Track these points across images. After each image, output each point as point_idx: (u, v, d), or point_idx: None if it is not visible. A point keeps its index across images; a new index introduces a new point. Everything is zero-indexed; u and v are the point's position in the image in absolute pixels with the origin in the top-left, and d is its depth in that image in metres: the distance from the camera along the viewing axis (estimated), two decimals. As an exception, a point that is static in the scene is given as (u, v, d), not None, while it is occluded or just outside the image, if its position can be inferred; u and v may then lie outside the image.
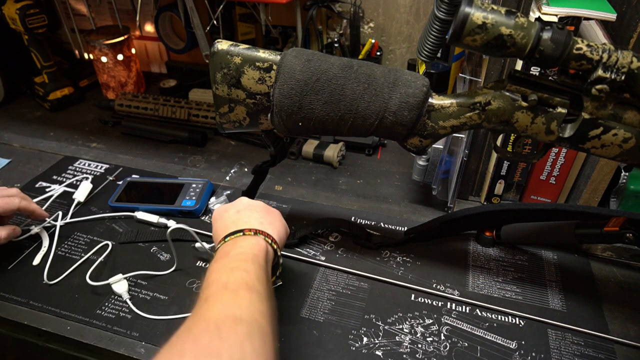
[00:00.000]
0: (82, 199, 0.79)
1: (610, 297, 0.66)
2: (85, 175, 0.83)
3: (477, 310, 0.63)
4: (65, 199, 0.82)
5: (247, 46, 0.54)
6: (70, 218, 0.76)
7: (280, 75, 0.52)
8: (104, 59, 1.10)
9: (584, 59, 0.44)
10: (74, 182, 0.85)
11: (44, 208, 0.75)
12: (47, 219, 0.73)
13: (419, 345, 0.59)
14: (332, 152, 0.92)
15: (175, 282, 0.67)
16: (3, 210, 0.65)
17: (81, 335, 0.60)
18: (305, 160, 0.96)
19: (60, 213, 0.76)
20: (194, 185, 0.82)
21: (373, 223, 0.78)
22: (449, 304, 0.64)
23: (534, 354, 0.58)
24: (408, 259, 0.71)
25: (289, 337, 0.60)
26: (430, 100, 0.53)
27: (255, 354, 0.37)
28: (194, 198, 0.80)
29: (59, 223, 0.74)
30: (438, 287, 0.67)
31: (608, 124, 0.48)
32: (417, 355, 0.57)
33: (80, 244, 0.73)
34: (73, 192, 0.81)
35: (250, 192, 0.71)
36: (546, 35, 0.44)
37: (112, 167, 0.92)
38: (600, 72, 0.44)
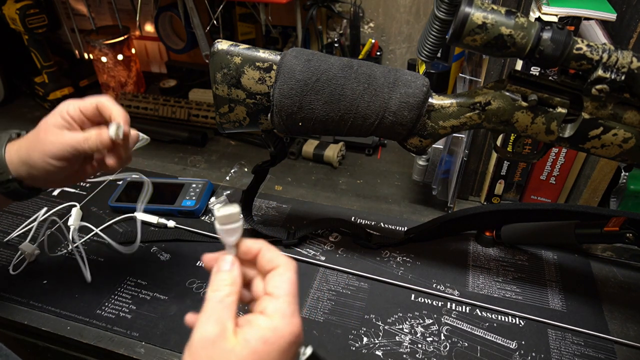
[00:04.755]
0: (77, 226, 0.75)
1: (610, 297, 0.66)
2: (72, 203, 0.80)
3: (477, 310, 0.63)
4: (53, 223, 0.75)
5: (247, 46, 0.54)
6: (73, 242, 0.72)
7: (280, 75, 0.52)
8: (104, 59, 1.10)
9: (584, 59, 0.44)
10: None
11: (29, 237, 0.69)
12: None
13: (419, 345, 0.59)
14: (332, 152, 0.92)
15: (175, 282, 0.67)
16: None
17: (81, 335, 0.60)
18: (305, 160, 0.96)
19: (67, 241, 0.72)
20: (194, 185, 0.82)
21: (373, 223, 0.78)
22: (449, 304, 0.64)
23: (534, 354, 0.58)
24: (408, 259, 0.71)
25: None
26: (430, 100, 0.53)
27: None
28: (194, 198, 0.80)
29: (70, 248, 0.71)
30: (438, 287, 0.67)
31: (608, 124, 0.48)
32: (417, 355, 0.57)
33: (80, 245, 0.73)
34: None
35: (250, 192, 0.71)
36: (546, 35, 0.44)
37: (112, 167, 0.92)
38: (600, 72, 0.44)
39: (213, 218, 0.37)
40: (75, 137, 0.51)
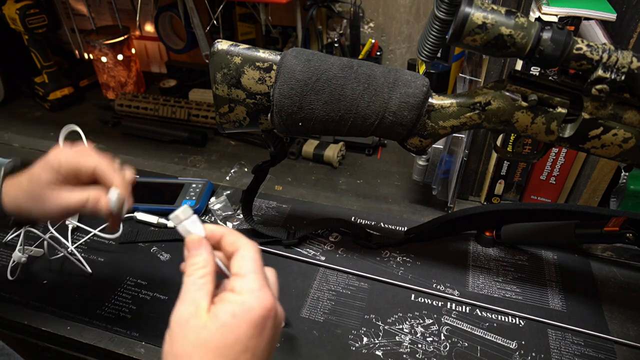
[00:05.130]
0: (75, 224, 0.75)
1: (610, 297, 0.66)
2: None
3: (477, 310, 0.63)
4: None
5: (247, 46, 0.54)
6: (73, 242, 0.72)
7: (280, 75, 0.52)
8: (104, 59, 1.10)
9: (584, 59, 0.44)
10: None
11: (19, 242, 0.67)
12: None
13: (419, 345, 0.59)
14: (332, 152, 0.92)
15: (176, 282, 0.66)
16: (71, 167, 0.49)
17: (81, 335, 0.60)
18: (305, 160, 0.96)
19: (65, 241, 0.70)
20: (194, 185, 0.82)
21: (373, 223, 0.78)
22: (449, 304, 0.64)
23: (534, 354, 0.58)
24: (408, 259, 0.71)
25: (289, 337, 0.60)
26: (430, 100, 0.53)
27: None
28: (194, 198, 0.80)
29: (69, 249, 0.70)
30: (438, 287, 0.67)
31: (608, 124, 0.48)
32: (417, 355, 0.57)
33: (80, 245, 0.73)
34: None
35: (250, 192, 0.71)
36: (546, 35, 0.44)
37: (112, 167, 0.92)
38: (600, 72, 0.44)
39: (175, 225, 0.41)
40: (72, 198, 0.49)
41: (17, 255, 0.67)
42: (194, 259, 0.38)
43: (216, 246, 0.40)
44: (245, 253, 0.38)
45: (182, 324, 0.34)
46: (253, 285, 0.35)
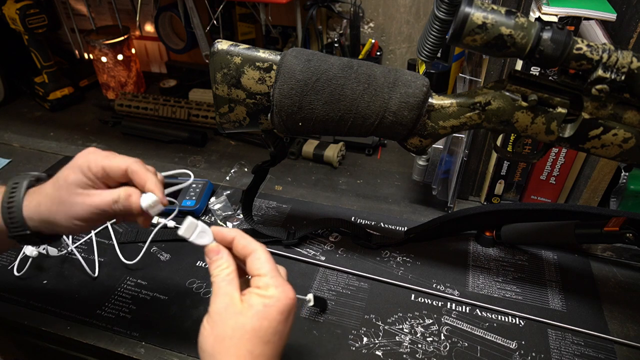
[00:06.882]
0: None
1: (610, 297, 0.66)
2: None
3: (477, 310, 0.63)
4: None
5: (247, 46, 0.54)
6: (73, 242, 0.72)
7: (280, 75, 0.52)
8: (104, 59, 1.10)
9: (584, 59, 0.44)
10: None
11: None
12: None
13: (419, 345, 0.59)
14: (332, 152, 0.92)
15: (175, 282, 0.67)
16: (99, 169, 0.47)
17: (81, 335, 0.60)
18: (305, 160, 0.96)
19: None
20: (194, 185, 0.82)
21: (373, 223, 0.78)
22: (449, 304, 0.64)
23: (534, 354, 0.58)
24: (408, 259, 0.71)
25: (288, 337, 0.59)
26: (430, 100, 0.53)
27: None
28: (194, 198, 0.80)
29: (70, 248, 0.71)
30: (438, 287, 0.67)
31: (608, 124, 0.48)
32: (417, 355, 0.57)
33: (80, 245, 0.73)
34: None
35: (250, 192, 0.71)
36: (546, 35, 0.44)
37: (112, 167, 0.92)
38: (600, 72, 0.44)
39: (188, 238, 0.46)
40: (103, 198, 0.47)
41: (29, 249, 0.67)
42: (217, 262, 0.44)
43: (228, 248, 0.45)
44: (260, 255, 0.44)
45: (221, 312, 0.41)
46: (276, 282, 0.42)
